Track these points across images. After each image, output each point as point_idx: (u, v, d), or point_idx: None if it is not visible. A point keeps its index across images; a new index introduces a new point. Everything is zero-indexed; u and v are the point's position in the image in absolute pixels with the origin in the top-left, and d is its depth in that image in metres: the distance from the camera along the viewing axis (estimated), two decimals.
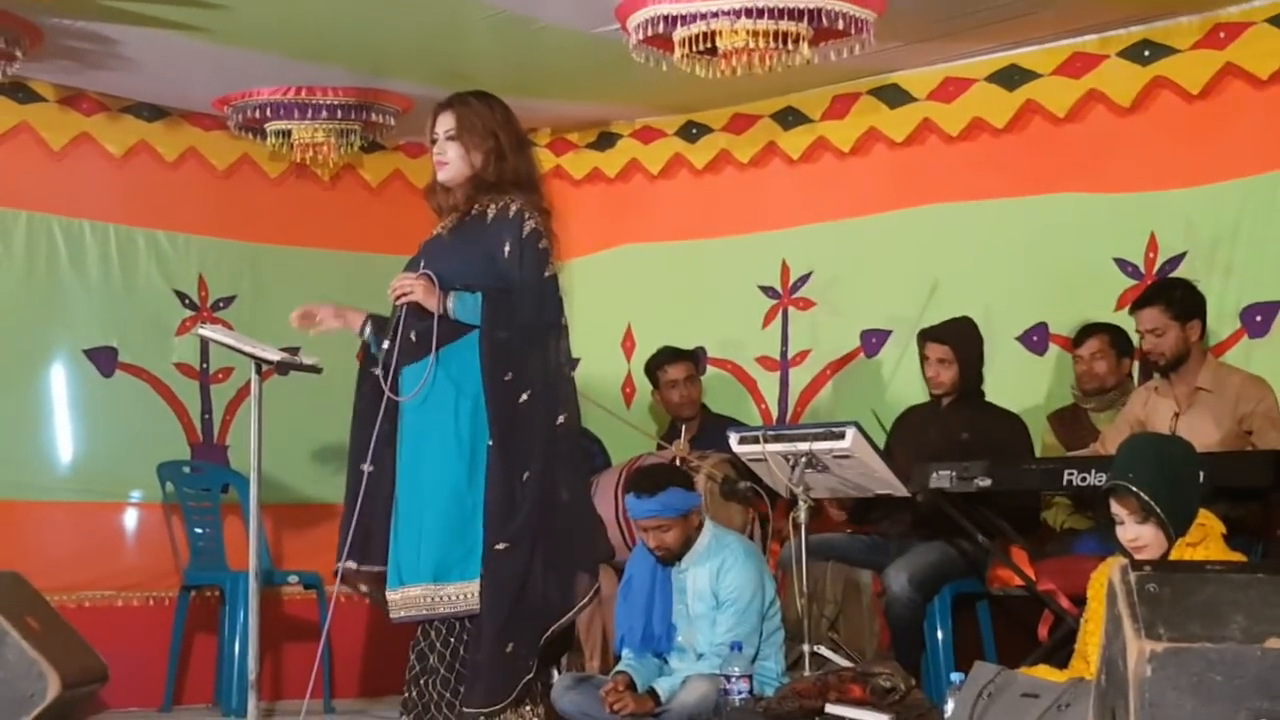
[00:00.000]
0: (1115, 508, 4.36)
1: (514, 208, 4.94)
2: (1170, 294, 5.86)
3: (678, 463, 6.50)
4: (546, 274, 4.92)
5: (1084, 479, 5.36)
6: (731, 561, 5.62)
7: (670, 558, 5.69)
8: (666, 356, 7.25)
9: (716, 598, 5.61)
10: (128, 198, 7.43)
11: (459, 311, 4.93)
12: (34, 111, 7.09)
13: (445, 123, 5.04)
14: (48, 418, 7.19)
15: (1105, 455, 5.52)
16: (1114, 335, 6.26)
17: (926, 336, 6.43)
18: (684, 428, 7.12)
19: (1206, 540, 4.26)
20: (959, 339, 6.36)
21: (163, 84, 7.12)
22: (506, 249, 4.92)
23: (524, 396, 4.85)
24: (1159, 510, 4.23)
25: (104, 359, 7.31)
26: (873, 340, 7.28)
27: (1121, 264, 6.56)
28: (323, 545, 7.56)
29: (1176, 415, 5.78)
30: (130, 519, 7.37)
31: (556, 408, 4.90)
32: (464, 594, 4.86)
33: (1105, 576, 4.10)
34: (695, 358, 7.33)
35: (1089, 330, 6.32)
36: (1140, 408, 5.90)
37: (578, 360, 6.88)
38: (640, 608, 5.66)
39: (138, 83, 7.08)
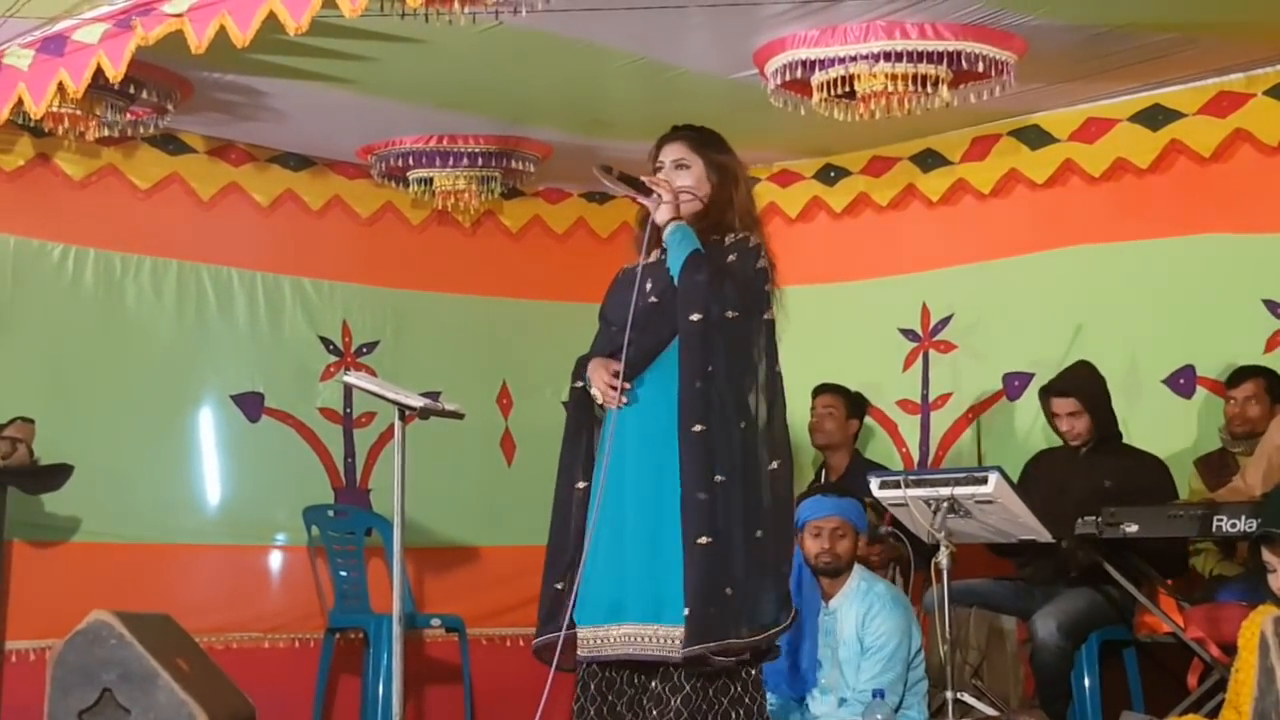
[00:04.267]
0: (1267, 555, 4.28)
1: (754, 240, 4.67)
2: None
3: None
4: (766, 300, 4.60)
5: (1234, 525, 5.28)
6: (879, 608, 5.58)
7: (835, 568, 5.61)
8: (817, 388, 7.28)
9: (861, 643, 5.57)
10: (274, 246, 7.56)
11: (673, 238, 4.64)
12: (184, 163, 7.23)
13: (682, 155, 4.80)
14: (196, 462, 7.31)
15: (1256, 501, 5.42)
16: (1270, 379, 6.14)
17: (1049, 392, 6.34)
18: (824, 471, 7.12)
19: None
20: (1083, 388, 6.26)
21: (308, 134, 7.25)
22: (732, 257, 4.64)
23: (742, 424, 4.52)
24: None
25: (251, 404, 7.43)
26: (1015, 383, 7.20)
27: (1271, 305, 6.44)
28: (464, 588, 7.68)
29: None
30: (276, 562, 7.46)
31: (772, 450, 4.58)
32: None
33: (1257, 625, 4.04)
34: (842, 394, 7.28)
35: (1244, 373, 6.20)
36: (1278, 434, 5.80)
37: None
38: (791, 646, 5.60)
39: (284, 133, 7.22)
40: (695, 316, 4.55)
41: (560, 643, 4.65)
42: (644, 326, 4.62)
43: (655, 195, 4.67)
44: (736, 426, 4.52)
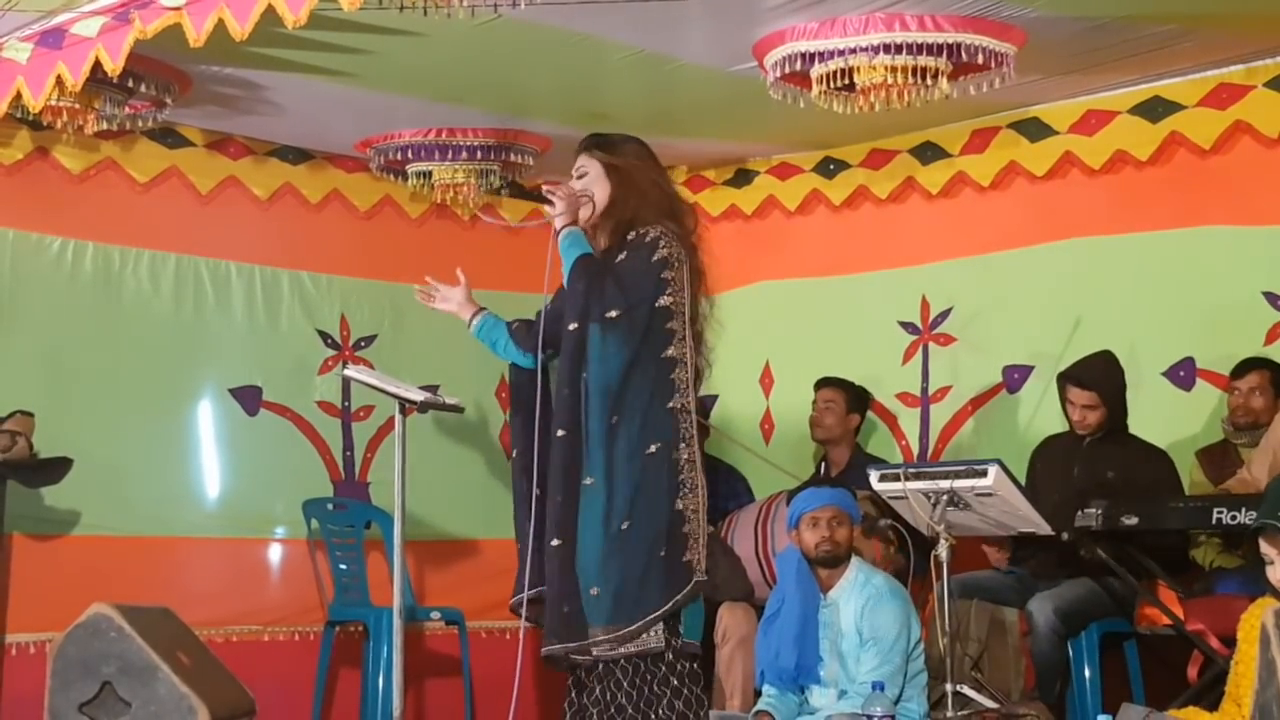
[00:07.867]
0: (1265, 547, 4.27)
1: (653, 233, 4.94)
2: None
3: None
4: (661, 288, 4.87)
5: (1234, 517, 5.28)
6: (878, 601, 5.57)
7: (835, 556, 5.62)
8: (819, 382, 7.29)
9: (860, 635, 5.57)
10: (273, 239, 7.54)
11: (562, 245, 4.97)
12: (183, 156, 7.22)
13: (581, 162, 5.15)
14: (195, 455, 7.30)
15: (1255, 493, 5.42)
16: (1275, 371, 6.14)
17: (1068, 380, 6.34)
18: (824, 465, 7.12)
19: None
20: (1103, 382, 6.26)
21: (307, 128, 7.24)
22: (623, 255, 4.94)
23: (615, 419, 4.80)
24: None
25: (249, 398, 7.42)
26: (1015, 376, 7.20)
27: (1271, 298, 6.44)
28: (463, 581, 7.68)
29: None
30: (275, 555, 7.46)
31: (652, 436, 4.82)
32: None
33: (1256, 618, 4.04)
34: (843, 388, 7.27)
35: (1249, 364, 6.20)
36: None
37: (714, 398, 6.88)
38: (792, 638, 5.60)
39: (283, 127, 7.21)
40: (571, 326, 4.88)
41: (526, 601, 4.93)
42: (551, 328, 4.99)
43: (551, 203, 5.04)
44: (606, 423, 4.66)
